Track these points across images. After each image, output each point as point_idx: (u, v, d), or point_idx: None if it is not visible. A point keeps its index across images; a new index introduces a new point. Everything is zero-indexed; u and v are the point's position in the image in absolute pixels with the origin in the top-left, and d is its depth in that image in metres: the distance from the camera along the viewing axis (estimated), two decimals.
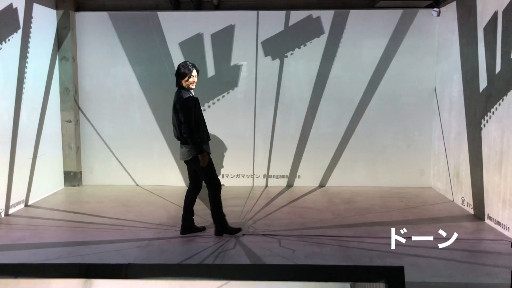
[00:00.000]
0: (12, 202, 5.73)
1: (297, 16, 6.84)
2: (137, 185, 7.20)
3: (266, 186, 7.17)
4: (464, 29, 5.85)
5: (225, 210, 4.76)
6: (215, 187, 4.68)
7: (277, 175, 7.19)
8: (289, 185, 7.17)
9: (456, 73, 6.10)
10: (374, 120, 7.02)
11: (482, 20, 5.35)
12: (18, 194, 5.86)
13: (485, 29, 5.29)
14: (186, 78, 4.59)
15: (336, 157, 7.11)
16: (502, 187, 4.91)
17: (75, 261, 4.08)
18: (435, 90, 6.79)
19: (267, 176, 7.18)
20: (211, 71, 6.98)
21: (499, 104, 4.98)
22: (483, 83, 5.36)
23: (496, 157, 5.04)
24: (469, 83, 5.74)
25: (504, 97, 4.86)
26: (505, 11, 4.87)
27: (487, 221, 5.25)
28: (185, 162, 4.73)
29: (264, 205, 6.02)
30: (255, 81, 6.99)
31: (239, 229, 4.81)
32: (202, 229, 4.91)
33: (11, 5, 5.59)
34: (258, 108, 7.07)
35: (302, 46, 6.89)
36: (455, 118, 6.16)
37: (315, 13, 6.83)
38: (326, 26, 6.84)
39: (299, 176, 7.16)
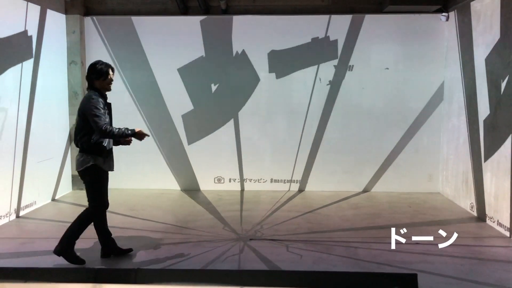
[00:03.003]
0: (21, 205, 5.77)
1: (304, 20, 6.85)
2: (148, 188, 7.20)
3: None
4: (472, 33, 5.82)
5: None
6: (96, 209, 4.05)
7: (283, 180, 7.17)
8: (300, 190, 7.15)
9: (465, 77, 6.06)
10: (382, 125, 6.99)
11: (491, 25, 5.32)
12: (27, 197, 5.88)
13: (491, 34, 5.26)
14: (103, 78, 4.01)
15: (344, 161, 7.08)
16: None
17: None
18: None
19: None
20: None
21: (509, 109, 4.93)
22: (492, 88, 5.32)
23: (506, 163, 4.99)
24: (478, 87, 5.69)
25: None
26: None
27: (497, 227, 5.19)
28: (78, 172, 4.08)
29: (272, 210, 6.00)
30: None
31: (82, 261, 4.02)
32: (129, 251, 4.34)
33: (24, 12, 5.66)
34: (268, 115, 7.12)
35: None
36: (464, 123, 6.12)
37: (325, 18, 6.84)
38: (337, 31, 6.83)
39: (306, 181, 7.14)
